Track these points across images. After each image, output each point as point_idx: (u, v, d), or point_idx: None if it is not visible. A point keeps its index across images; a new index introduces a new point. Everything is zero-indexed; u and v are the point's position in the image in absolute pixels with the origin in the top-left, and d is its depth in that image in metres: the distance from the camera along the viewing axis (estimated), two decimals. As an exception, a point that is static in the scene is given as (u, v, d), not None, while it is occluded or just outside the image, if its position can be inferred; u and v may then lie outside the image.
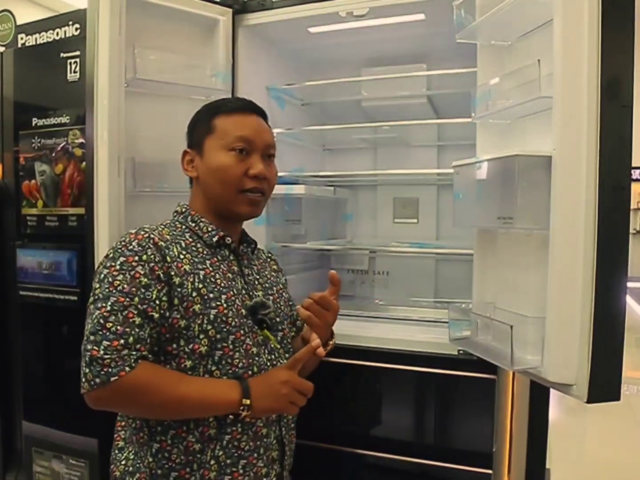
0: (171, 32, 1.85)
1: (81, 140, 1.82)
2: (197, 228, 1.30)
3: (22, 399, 2.05)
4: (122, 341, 1.08)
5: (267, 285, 1.40)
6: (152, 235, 1.20)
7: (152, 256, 1.17)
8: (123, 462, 1.23)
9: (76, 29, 1.92)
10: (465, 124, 1.69)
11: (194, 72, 1.85)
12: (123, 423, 1.26)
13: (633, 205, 10.63)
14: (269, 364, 1.28)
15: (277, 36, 2.13)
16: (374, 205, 2.45)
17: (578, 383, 1.22)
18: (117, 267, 1.15)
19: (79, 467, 1.91)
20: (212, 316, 1.19)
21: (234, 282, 1.28)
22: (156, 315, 1.13)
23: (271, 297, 1.38)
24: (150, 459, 1.18)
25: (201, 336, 1.18)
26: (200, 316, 1.18)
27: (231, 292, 1.25)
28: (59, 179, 1.88)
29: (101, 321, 1.09)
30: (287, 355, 1.36)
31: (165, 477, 1.18)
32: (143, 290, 1.13)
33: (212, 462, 1.19)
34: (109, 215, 1.63)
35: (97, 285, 1.16)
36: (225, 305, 1.22)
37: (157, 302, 1.14)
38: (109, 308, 1.10)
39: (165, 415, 1.17)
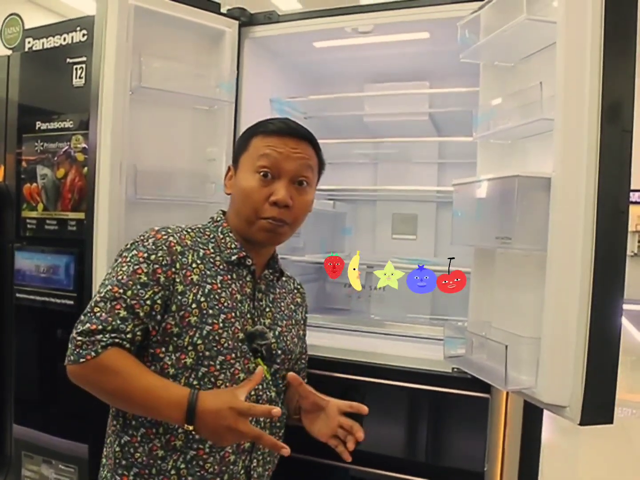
0: (177, 42, 1.86)
1: (84, 145, 1.82)
2: (222, 241, 1.29)
3: (14, 402, 2.04)
4: (100, 327, 1.11)
5: (278, 316, 1.35)
6: (170, 239, 1.21)
7: (160, 258, 1.18)
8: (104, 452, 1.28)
9: (83, 35, 1.93)
10: (466, 142, 1.70)
11: (198, 82, 1.86)
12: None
13: (631, 228, 10.67)
14: (253, 392, 1.23)
15: (282, 49, 2.14)
16: (373, 220, 2.45)
17: (571, 405, 1.22)
18: (128, 258, 1.19)
19: (68, 472, 1.90)
20: (205, 332, 1.18)
21: (240, 304, 1.26)
22: (142, 313, 1.15)
23: (278, 329, 1.33)
24: (118, 449, 1.21)
25: (189, 348, 1.18)
26: (194, 329, 1.18)
27: (232, 314, 1.23)
28: (60, 183, 1.89)
29: (93, 304, 1.15)
30: (274, 389, 1.30)
31: (126, 470, 1.20)
32: (139, 287, 1.16)
33: (173, 472, 1.18)
34: (109, 221, 1.64)
35: (110, 270, 1.21)
36: (221, 325, 1.20)
37: (149, 302, 1.16)
38: (103, 294, 1.15)
39: (117, 405, 1.21)
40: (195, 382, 1.18)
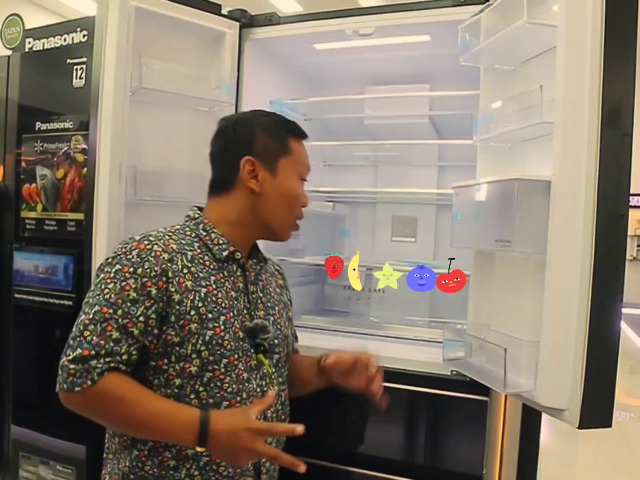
0: (178, 43, 1.86)
1: (84, 146, 1.82)
2: (207, 238, 1.24)
3: (12, 402, 2.03)
4: (92, 352, 1.06)
5: (269, 304, 1.34)
6: (155, 247, 1.15)
7: (148, 270, 1.12)
8: (109, 467, 1.22)
9: (84, 36, 1.93)
10: (466, 145, 1.70)
11: (198, 84, 1.86)
12: None
13: (630, 232, 10.67)
14: (258, 389, 1.23)
15: (283, 51, 2.14)
16: (373, 223, 2.45)
17: (570, 408, 1.22)
18: (112, 274, 1.13)
19: (65, 473, 1.89)
20: (207, 337, 1.15)
21: (236, 302, 1.23)
22: (136, 332, 1.10)
23: (272, 318, 1.32)
24: (127, 464, 1.17)
25: (193, 356, 1.14)
26: (196, 336, 1.14)
27: (231, 314, 1.20)
28: (59, 184, 1.89)
29: (81, 328, 1.09)
30: (280, 379, 1.31)
31: None
32: (129, 304, 1.10)
33: None
34: (108, 222, 1.64)
35: (92, 288, 1.15)
36: (223, 327, 1.17)
37: (142, 319, 1.10)
38: (91, 316, 1.09)
39: (123, 431, 1.16)
40: (201, 389, 1.15)
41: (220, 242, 1.25)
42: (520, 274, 1.47)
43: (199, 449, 1.06)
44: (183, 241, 1.22)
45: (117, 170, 1.65)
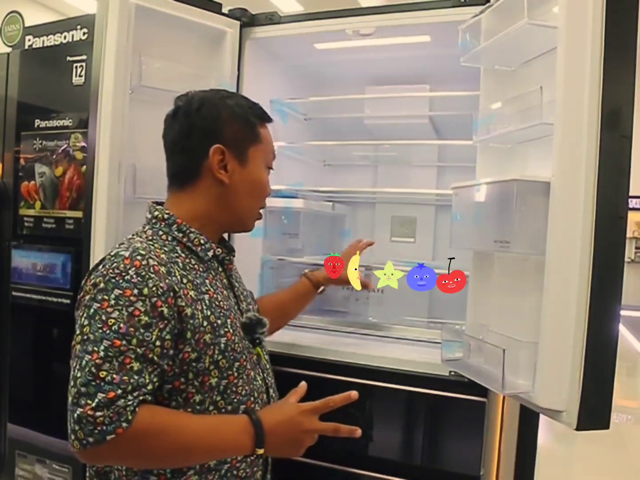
0: (178, 42, 1.85)
1: (83, 143, 1.82)
2: (186, 240, 1.16)
3: (9, 401, 2.03)
4: (119, 391, 0.94)
5: (245, 292, 1.33)
6: (150, 261, 1.04)
7: (154, 289, 1.02)
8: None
9: (84, 34, 1.93)
10: (465, 146, 1.70)
11: (198, 83, 1.85)
12: None
13: (629, 234, 10.68)
14: (263, 385, 1.23)
15: (283, 51, 2.14)
16: (372, 223, 2.45)
17: (568, 410, 1.22)
18: (112, 301, 1.00)
19: (62, 472, 1.89)
20: (222, 345, 1.11)
21: (229, 300, 1.20)
22: (155, 358, 1.00)
23: (251, 307, 1.32)
24: None
25: (211, 367, 1.09)
26: (212, 347, 1.09)
27: (231, 313, 1.17)
28: (58, 182, 1.88)
29: (93, 370, 0.95)
30: (268, 366, 1.30)
31: None
32: (142, 330, 0.99)
33: None
34: (107, 220, 1.63)
35: (86, 322, 1.00)
36: (231, 330, 1.14)
37: (158, 343, 1.01)
38: (102, 354, 0.96)
39: (172, 465, 1.06)
40: (218, 398, 1.11)
41: (202, 242, 1.17)
42: (519, 275, 1.46)
43: (259, 451, 1.04)
44: (166, 248, 1.13)
45: (116, 169, 1.64)
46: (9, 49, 2.10)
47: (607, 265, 1.22)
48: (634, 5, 1.23)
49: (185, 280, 1.09)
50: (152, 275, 1.03)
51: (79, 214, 1.83)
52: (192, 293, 1.09)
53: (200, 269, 1.16)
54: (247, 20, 1.96)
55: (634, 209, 10.29)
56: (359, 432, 1.13)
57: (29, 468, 1.96)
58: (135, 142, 1.73)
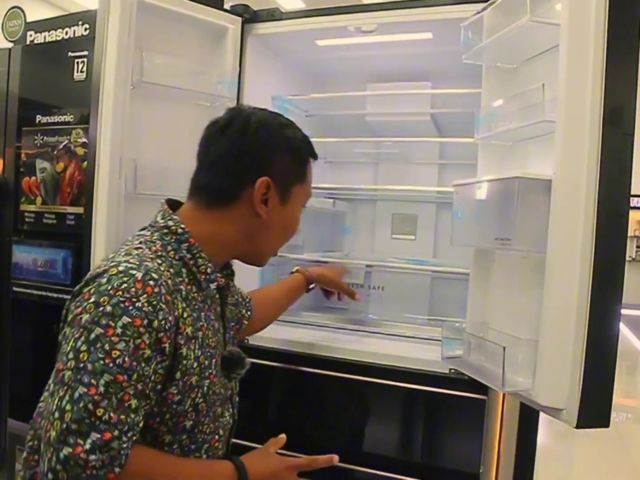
0: (180, 38, 1.85)
1: (84, 139, 1.82)
2: (192, 263, 1.05)
3: (9, 396, 2.03)
4: (115, 432, 0.84)
5: (230, 316, 1.25)
6: (162, 289, 0.94)
7: (163, 322, 0.92)
8: None
9: (85, 29, 1.93)
10: (467, 143, 1.70)
11: (200, 78, 1.86)
12: None
13: (630, 233, 10.68)
14: (230, 421, 1.16)
15: (285, 47, 2.14)
16: (373, 220, 2.45)
17: (568, 408, 1.22)
18: (119, 330, 0.88)
19: (62, 467, 1.89)
20: (205, 388, 1.03)
21: (219, 333, 1.12)
22: (150, 393, 0.92)
23: (232, 332, 1.25)
24: None
25: (189, 410, 1.00)
26: (196, 389, 1.00)
27: (217, 351, 1.08)
28: (59, 177, 1.89)
29: (90, 407, 0.83)
30: (237, 398, 1.22)
31: None
32: (143, 364, 0.89)
33: None
34: (107, 216, 1.63)
35: (84, 347, 0.87)
36: (214, 372, 1.06)
37: (153, 377, 0.91)
38: (102, 389, 0.85)
39: None
40: (184, 437, 1.02)
41: (209, 271, 1.07)
42: (519, 272, 1.46)
43: None
44: (172, 270, 1.02)
45: (117, 164, 1.65)
46: (10, 45, 2.10)
47: (608, 263, 1.21)
48: (637, 2, 1.23)
49: (185, 315, 1.00)
50: (163, 307, 0.93)
51: (79, 210, 1.83)
52: (189, 330, 0.99)
53: (199, 299, 1.06)
54: (249, 17, 1.96)
55: (635, 207, 10.28)
56: (336, 459, 1.14)
57: (29, 463, 1.96)
58: (137, 138, 1.73)
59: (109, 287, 0.90)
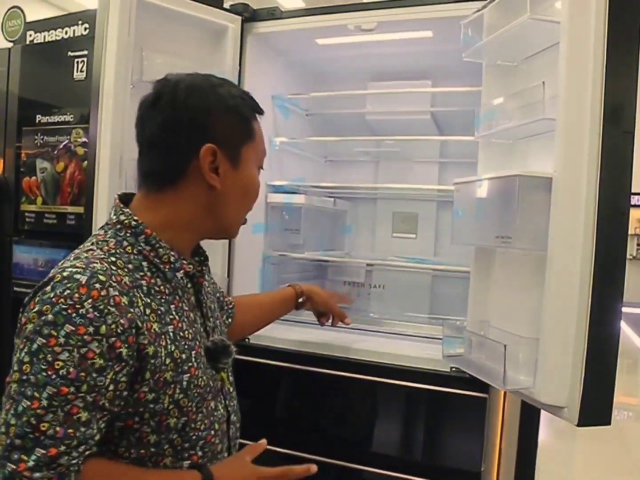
0: (180, 37, 1.85)
1: (84, 139, 1.82)
2: (153, 255, 0.99)
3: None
4: (62, 447, 0.80)
5: (212, 306, 1.17)
6: (111, 291, 0.87)
7: (113, 326, 0.85)
8: None
9: (85, 29, 1.93)
10: (467, 142, 1.70)
11: (200, 78, 1.85)
12: None
13: (630, 231, 10.67)
14: (224, 413, 1.09)
15: (285, 46, 2.14)
16: (373, 219, 2.45)
17: (569, 405, 1.22)
18: (61, 339, 0.82)
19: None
20: (185, 383, 0.97)
21: (196, 324, 1.05)
22: (107, 404, 0.86)
23: (218, 322, 1.17)
24: None
25: (171, 407, 0.95)
26: (172, 385, 0.94)
27: (197, 342, 1.02)
28: (59, 177, 1.89)
29: (33, 421, 0.80)
30: (232, 389, 1.16)
31: None
32: (95, 375, 0.84)
33: None
34: (108, 215, 1.62)
35: (27, 359, 0.83)
36: (195, 364, 1.00)
37: (111, 387, 0.86)
38: (45, 403, 0.80)
39: None
40: (175, 436, 0.97)
41: (172, 259, 1.00)
42: (520, 270, 1.46)
43: None
44: (130, 265, 0.96)
45: (117, 164, 1.64)
46: (10, 44, 2.10)
47: (609, 261, 1.21)
48: (637, -1, 1.23)
49: (148, 311, 0.94)
50: (112, 310, 0.86)
51: (80, 210, 1.83)
52: (155, 326, 0.93)
53: (166, 292, 0.99)
54: (249, 16, 1.95)
55: (635, 205, 10.27)
56: (314, 468, 1.09)
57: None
58: (137, 137, 1.72)
59: (52, 295, 0.86)
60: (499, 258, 1.57)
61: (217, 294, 1.33)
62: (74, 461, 0.81)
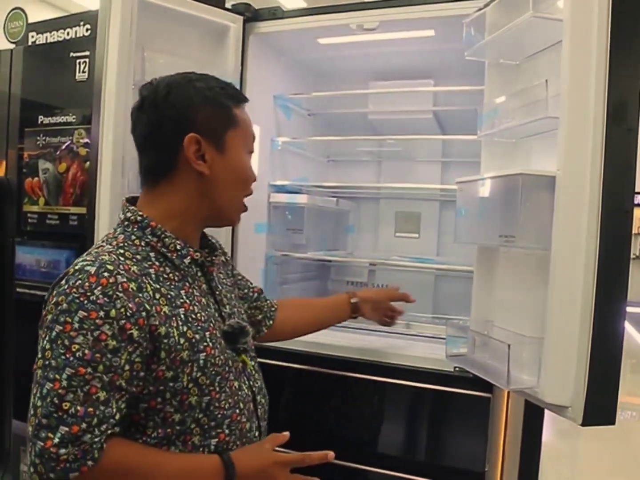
0: (181, 37, 1.85)
1: (86, 140, 1.82)
2: (160, 245, 1.06)
3: (13, 397, 2.03)
4: (83, 425, 0.87)
5: (228, 295, 1.22)
6: (119, 278, 0.95)
7: (122, 310, 0.93)
8: None
9: (87, 30, 1.93)
10: (470, 141, 1.70)
11: (202, 78, 1.85)
12: None
13: (634, 230, 10.63)
14: (249, 393, 1.15)
15: (286, 45, 2.14)
16: (376, 219, 2.45)
17: (574, 405, 1.21)
18: (76, 325, 0.91)
19: (67, 468, 1.89)
20: (201, 361, 1.03)
21: (209, 309, 1.11)
22: (124, 384, 0.93)
23: (235, 310, 1.22)
24: None
25: (190, 385, 1.01)
26: (189, 364, 1.01)
27: (211, 324, 1.08)
28: (62, 178, 1.88)
29: (55, 401, 0.88)
30: (258, 373, 1.22)
31: None
32: (110, 356, 0.91)
33: None
34: (110, 216, 1.63)
35: (48, 346, 0.92)
36: (211, 344, 1.05)
37: (127, 367, 0.93)
38: (65, 383, 0.88)
39: None
40: (201, 416, 1.03)
41: (178, 247, 1.08)
42: (523, 270, 1.46)
43: None
44: (138, 256, 1.04)
45: (119, 164, 1.64)
46: (12, 46, 2.10)
47: (613, 260, 1.21)
48: (641, -4, 1.22)
49: (158, 296, 1.01)
50: (120, 295, 0.94)
51: (82, 210, 1.82)
52: (165, 309, 1.00)
53: (176, 279, 1.07)
54: (251, 15, 1.95)
55: (638, 205, 10.25)
56: (331, 455, 1.10)
57: (34, 464, 1.96)
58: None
59: (66, 287, 0.94)
60: (502, 257, 1.56)
61: (248, 290, 1.43)
62: (96, 439, 0.88)
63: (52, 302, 0.95)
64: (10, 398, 2.04)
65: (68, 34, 1.98)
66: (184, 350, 1.00)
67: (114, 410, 0.92)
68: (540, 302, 1.28)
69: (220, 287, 1.20)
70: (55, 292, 0.97)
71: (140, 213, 1.08)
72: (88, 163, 1.78)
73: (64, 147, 1.88)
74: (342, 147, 2.43)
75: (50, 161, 1.91)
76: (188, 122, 1.07)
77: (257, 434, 1.15)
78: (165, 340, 0.98)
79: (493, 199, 1.44)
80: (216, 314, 1.13)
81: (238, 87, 1.91)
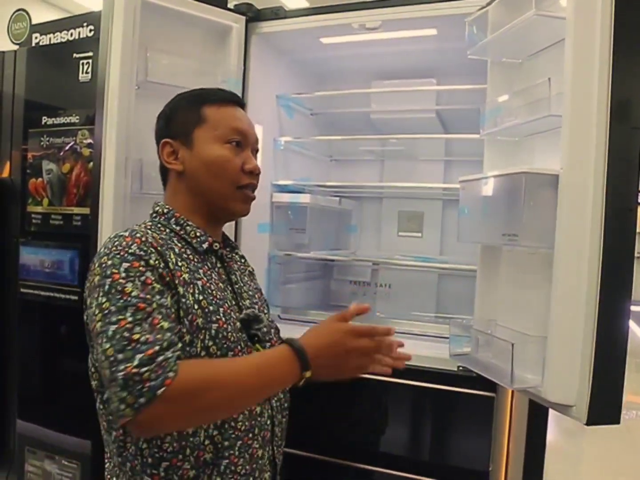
0: (184, 37, 1.85)
1: (89, 140, 1.83)
2: (182, 232, 1.17)
3: (18, 397, 2.04)
4: (156, 347, 0.93)
5: (250, 292, 1.28)
6: (148, 238, 1.06)
7: (157, 262, 1.03)
8: None
9: (90, 31, 1.94)
10: (472, 140, 1.69)
11: (204, 78, 1.85)
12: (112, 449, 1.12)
13: (638, 229, 10.59)
14: (269, 422, 1.18)
15: (289, 45, 2.14)
16: (379, 218, 2.45)
17: (578, 404, 1.21)
18: (123, 274, 1.00)
19: (71, 468, 1.90)
20: (213, 331, 1.08)
21: (225, 293, 1.17)
22: (175, 318, 1.02)
23: (256, 306, 1.27)
24: None
25: (202, 353, 1.06)
26: (203, 331, 1.06)
27: (226, 305, 1.14)
28: (65, 178, 1.89)
29: (125, 334, 0.94)
30: None
31: None
32: (158, 297, 1.00)
33: None
34: (114, 216, 1.63)
35: (104, 299, 0.98)
36: (224, 319, 1.11)
37: (172, 309, 1.02)
38: (130, 319, 0.95)
39: (226, 411, 1.04)
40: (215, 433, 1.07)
41: (198, 234, 1.18)
42: (527, 268, 1.46)
43: (307, 374, 1.02)
44: (164, 235, 1.14)
45: (122, 165, 1.64)
46: (16, 47, 2.11)
47: (617, 259, 1.21)
48: (643, -6, 1.22)
49: (179, 263, 1.09)
50: (153, 251, 1.05)
51: (86, 211, 1.83)
52: (185, 275, 1.08)
53: (195, 259, 1.15)
54: (253, 15, 1.96)
55: (642, 203, 10.21)
56: (393, 329, 1.15)
57: (39, 464, 1.97)
58: (142, 138, 1.72)
59: (106, 250, 1.04)
60: (505, 256, 1.56)
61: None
62: (169, 357, 0.94)
63: (97, 265, 1.03)
64: (14, 398, 2.05)
65: (71, 35, 1.99)
66: (199, 317, 1.06)
67: (176, 338, 0.98)
68: (544, 300, 1.28)
69: (241, 283, 1.26)
70: (96, 258, 1.05)
71: (167, 206, 1.21)
72: (91, 163, 1.79)
73: (67, 147, 1.89)
74: (344, 147, 2.43)
75: (54, 162, 1.92)
76: (166, 131, 1.22)
77: (267, 462, 1.19)
78: (183, 300, 1.05)
79: (496, 198, 1.44)
80: (233, 302, 1.18)
81: (240, 86, 1.92)
